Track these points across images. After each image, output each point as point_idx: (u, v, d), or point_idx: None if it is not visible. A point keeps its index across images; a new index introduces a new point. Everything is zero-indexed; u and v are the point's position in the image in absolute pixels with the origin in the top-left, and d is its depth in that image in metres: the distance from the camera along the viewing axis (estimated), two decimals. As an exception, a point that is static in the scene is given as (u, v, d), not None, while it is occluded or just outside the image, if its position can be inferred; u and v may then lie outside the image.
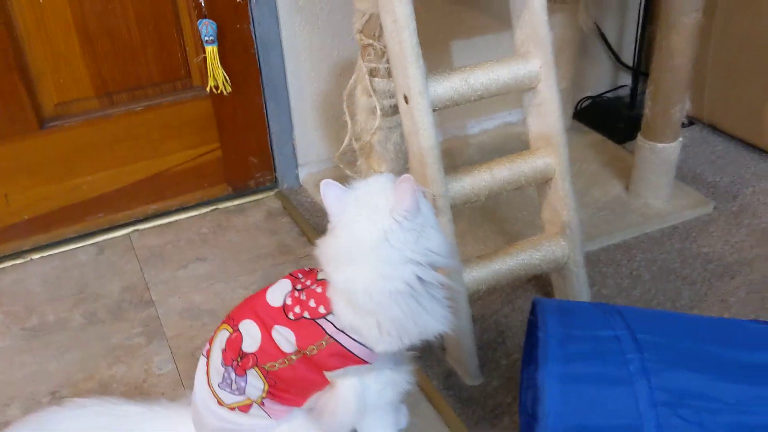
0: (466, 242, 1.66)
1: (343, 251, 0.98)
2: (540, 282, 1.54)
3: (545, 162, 1.34)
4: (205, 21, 1.62)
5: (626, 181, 1.83)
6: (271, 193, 1.94)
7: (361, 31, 1.49)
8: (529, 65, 1.31)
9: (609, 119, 2.14)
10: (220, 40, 1.67)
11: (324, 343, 1.01)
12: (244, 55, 1.74)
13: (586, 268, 1.40)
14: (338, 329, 1.01)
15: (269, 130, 1.87)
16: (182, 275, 1.65)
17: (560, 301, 1.18)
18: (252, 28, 1.72)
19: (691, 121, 2.11)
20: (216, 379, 1.07)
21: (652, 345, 0.96)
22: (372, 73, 1.51)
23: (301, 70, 1.82)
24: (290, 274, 1.08)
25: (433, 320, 1.02)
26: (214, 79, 1.68)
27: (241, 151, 1.86)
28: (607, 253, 1.63)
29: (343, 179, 1.85)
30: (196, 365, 1.12)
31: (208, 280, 1.63)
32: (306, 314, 1.02)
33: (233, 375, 1.05)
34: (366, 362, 1.03)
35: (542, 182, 1.37)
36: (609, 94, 2.29)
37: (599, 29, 2.13)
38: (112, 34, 1.61)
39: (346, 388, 1.05)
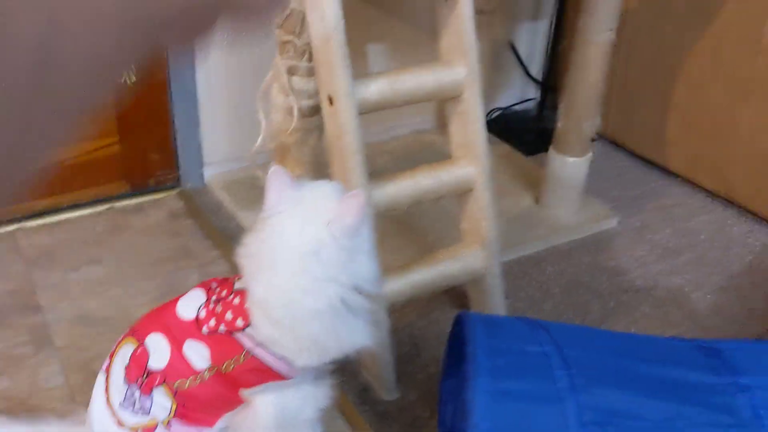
0: (379, 253, 1.62)
1: (267, 252, 0.92)
2: (454, 294, 1.52)
3: (466, 172, 1.33)
4: (109, 5, 1.50)
5: (535, 193, 1.85)
6: (173, 192, 1.83)
7: (280, 27, 1.42)
8: (454, 73, 1.29)
9: (518, 131, 2.16)
10: (125, 26, 1.56)
11: (241, 358, 0.94)
12: (149, 44, 1.63)
13: (502, 280, 1.39)
14: (257, 343, 0.94)
15: (173, 126, 1.76)
16: (74, 278, 1.52)
17: (486, 315, 1.16)
18: (159, 16, 1.62)
19: (595, 137, 2.17)
20: (117, 398, 0.97)
21: (579, 361, 0.95)
22: (290, 71, 1.44)
23: (211, 63, 1.73)
24: (203, 284, 1.00)
25: (355, 336, 0.97)
26: (117, 68, 1.56)
27: (141, 146, 1.74)
28: (518, 265, 1.64)
29: (251, 182, 1.78)
30: (89, 379, 1.01)
31: (103, 285, 1.51)
32: (222, 328, 0.94)
33: (137, 394, 0.96)
34: (285, 378, 0.97)
35: (463, 192, 1.36)
36: (517, 107, 2.32)
37: (511, 42, 2.16)
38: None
39: (263, 406, 0.98)
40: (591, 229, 1.76)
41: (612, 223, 1.80)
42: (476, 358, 0.94)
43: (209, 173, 1.86)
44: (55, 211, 1.70)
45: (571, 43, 1.63)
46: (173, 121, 1.76)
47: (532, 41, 2.24)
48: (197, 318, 0.95)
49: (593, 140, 2.11)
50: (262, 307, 0.92)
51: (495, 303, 1.40)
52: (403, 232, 1.70)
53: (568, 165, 1.72)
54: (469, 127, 1.32)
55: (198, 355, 0.94)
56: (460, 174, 1.32)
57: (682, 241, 1.75)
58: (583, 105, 1.63)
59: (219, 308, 0.96)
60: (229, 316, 0.95)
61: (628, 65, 1.97)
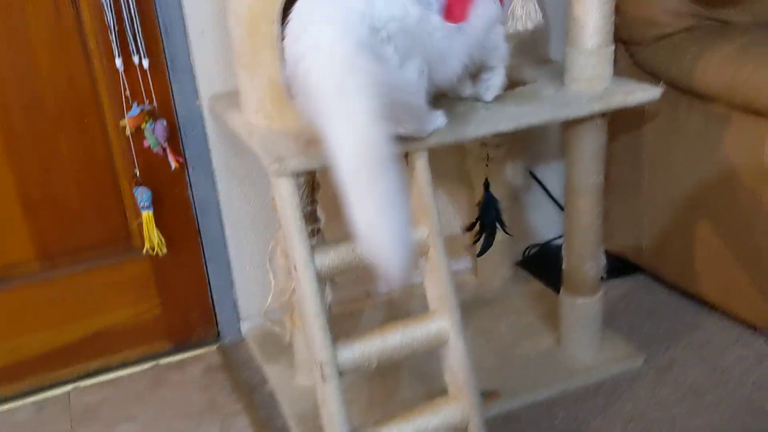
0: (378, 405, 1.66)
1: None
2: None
3: (438, 325, 1.37)
4: (140, 189, 1.73)
5: (559, 334, 1.83)
6: (213, 347, 1.98)
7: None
8: (418, 233, 1.37)
9: (550, 267, 2.16)
10: (158, 204, 1.78)
11: None
12: (182, 217, 1.84)
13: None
14: None
15: (210, 287, 1.94)
16: (108, 435, 1.67)
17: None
18: (190, 193, 1.83)
19: (635, 269, 2.13)
20: None
21: None
22: (288, 237, 1.58)
23: (239, 229, 1.91)
24: None
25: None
26: (150, 241, 1.77)
27: (181, 307, 1.92)
28: (528, 411, 1.62)
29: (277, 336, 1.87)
30: None
31: (132, 441, 1.65)
32: None
33: None
34: None
35: (438, 345, 1.39)
36: (559, 241, 2.33)
37: (535, 177, 2.20)
38: (54, 200, 1.72)
39: None
40: (611, 370, 1.71)
41: (637, 362, 1.74)
42: None
43: (246, 327, 2.00)
44: (105, 371, 1.89)
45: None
46: (210, 284, 1.93)
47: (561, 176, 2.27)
48: None
49: (624, 273, 2.09)
50: None
51: (481, 455, 1.39)
52: (413, 378, 1.74)
53: (578, 305, 1.71)
54: (439, 281, 1.38)
55: None
56: (432, 328, 1.37)
57: (710, 379, 1.66)
58: (581, 248, 1.64)
59: None
60: None
61: (653, 199, 1.96)
